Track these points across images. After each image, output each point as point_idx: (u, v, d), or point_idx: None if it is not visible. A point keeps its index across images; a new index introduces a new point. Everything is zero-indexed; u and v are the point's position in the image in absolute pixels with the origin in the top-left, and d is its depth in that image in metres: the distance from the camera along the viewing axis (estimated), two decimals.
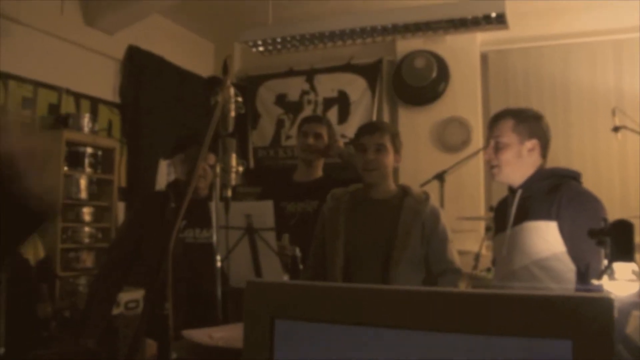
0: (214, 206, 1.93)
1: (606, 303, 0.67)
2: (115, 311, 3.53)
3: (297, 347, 0.80)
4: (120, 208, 5.34)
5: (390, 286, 0.77)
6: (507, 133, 2.20)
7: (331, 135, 3.17)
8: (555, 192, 2.10)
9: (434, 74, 6.04)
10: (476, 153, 4.64)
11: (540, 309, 0.69)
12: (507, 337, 0.69)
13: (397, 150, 2.60)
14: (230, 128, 1.85)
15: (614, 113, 4.71)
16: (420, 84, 6.10)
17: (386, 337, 0.76)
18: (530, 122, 2.22)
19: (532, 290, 1.67)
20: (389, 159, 2.56)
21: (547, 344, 0.68)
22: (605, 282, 1.34)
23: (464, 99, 6.04)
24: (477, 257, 4.38)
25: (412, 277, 2.45)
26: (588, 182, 2.22)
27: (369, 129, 2.66)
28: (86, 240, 4.91)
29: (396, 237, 2.46)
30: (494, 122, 2.26)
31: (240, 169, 1.83)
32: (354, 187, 2.69)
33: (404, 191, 2.60)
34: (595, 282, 1.36)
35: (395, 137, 2.60)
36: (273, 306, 0.82)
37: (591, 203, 2.06)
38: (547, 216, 2.06)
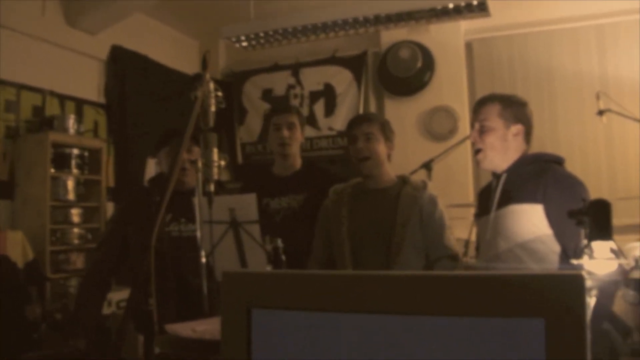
0: (197, 201, 1.93)
1: (577, 280, 0.68)
2: (107, 311, 3.54)
3: (274, 336, 0.81)
4: (109, 208, 5.33)
5: (364, 272, 0.78)
6: (493, 117, 2.21)
7: (302, 123, 3.11)
8: (540, 176, 2.11)
9: (419, 64, 6.05)
10: (463, 140, 4.65)
11: (511, 288, 0.70)
12: (479, 317, 0.70)
13: (387, 138, 2.68)
14: (211, 123, 1.85)
15: (598, 97, 4.73)
16: (406, 74, 6.11)
17: (362, 322, 0.76)
18: (515, 108, 2.24)
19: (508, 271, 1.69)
20: (380, 146, 2.64)
21: (520, 323, 0.69)
22: (585, 261, 1.35)
23: (450, 88, 6.06)
24: (467, 243, 4.39)
25: (416, 262, 2.52)
26: (575, 166, 2.24)
27: (357, 120, 2.79)
28: (75, 241, 4.89)
29: (395, 224, 2.52)
30: (479, 106, 2.27)
31: (223, 163, 1.83)
32: (354, 181, 2.76)
33: (403, 180, 2.68)
34: (574, 261, 1.37)
35: (384, 126, 2.69)
36: (250, 296, 0.83)
37: (576, 186, 2.08)
38: (532, 199, 2.08)
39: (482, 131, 2.22)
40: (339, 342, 0.77)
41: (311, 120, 6.40)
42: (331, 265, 2.63)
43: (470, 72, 6.10)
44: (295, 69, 6.70)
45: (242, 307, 0.82)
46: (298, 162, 3.09)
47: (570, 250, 1.93)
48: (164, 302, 1.48)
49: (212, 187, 1.81)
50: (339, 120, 6.45)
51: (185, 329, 1.41)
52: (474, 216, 2.61)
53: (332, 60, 6.54)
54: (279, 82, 6.76)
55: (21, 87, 4.81)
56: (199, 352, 1.33)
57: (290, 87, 6.72)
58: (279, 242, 1.74)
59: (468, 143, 5.42)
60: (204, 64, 1.84)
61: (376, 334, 0.75)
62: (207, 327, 1.42)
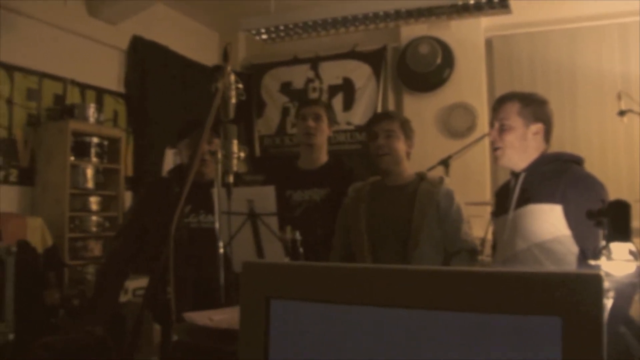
0: (216, 192, 1.94)
1: (595, 280, 0.68)
2: (123, 299, 3.57)
3: (292, 326, 0.82)
4: (127, 197, 5.38)
5: (382, 265, 0.78)
6: (513, 116, 2.19)
7: (330, 117, 3.15)
8: (559, 176, 2.09)
9: (439, 60, 6.03)
10: (481, 138, 4.62)
11: (529, 286, 0.70)
12: (497, 314, 0.70)
13: (407, 137, 2.70)
14: (232, 114, 1.86)
15: (619, 97, 4.68)
16: (425, 70, 6.08)
17: (379, 315, 0.77)
18: (535, 106, 2.22)
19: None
20: (400, 144, 2.65)
21: (537, 320, 0.69)
22: (602, 262, 1.35)
23: (469, 85, 6.02)
24: (483, 242, 4.38)
25: (434, 257, 2.52)
26: (594, 167, 2.22)
27: (379, 117, 2.85)
28: (93, 229, 4.95)
29: (413, 219, 2.53)
30: (499, 104, 2.25)
31: (242, 154, 1.85)
32: (373, 179, 2.78)
33: (420, 177, 2.70)
34: (592, 262, 1.36)
35: (405, 124, 2.71)
36: (269, 286, 0.84)
37: (596, 187, 2.06)
38: (551, 199, 2.06)
39: (502, 130, 2.21)
40: (356, 334, 0.78)
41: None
42: (351, 261, 2.63)
43: (490, 69, 6.06)
44: (315, 62, 6.70)
45: (261, 297, 0.83)
46: (324, 157, 3.13)
47: (589, 252, 1.92)
48: (181, 293, 1.50)
49: (231, 179, 1.82)
50: (357, 115, 6.44)
51: (203, 317, 1.43)
52: (491, 215, 2.60)
53: (352, 54, 6.53)
54: (298, 76, 6.77)
55: (43, 75, 4.86)
56: (216, 340, 1.35)
57: (309, 80, 6.72)
58: (297, 235, 1.75)
59: (486, 141, 5.39)
60: (226, 55, 1.85)
61: (392, 327, 0.76)
62: (223, 317, 1.43)
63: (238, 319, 0.87)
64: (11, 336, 2.59)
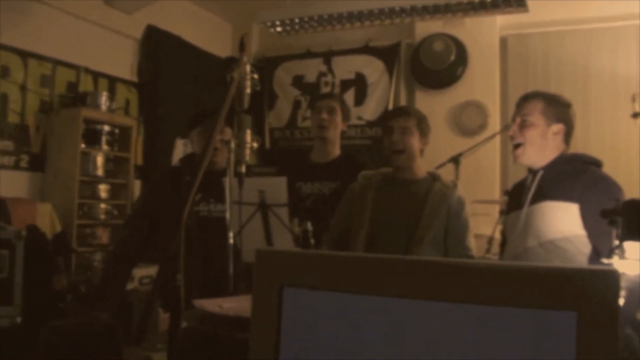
0: (228, 182, 1.95)
1: (612, 276, 0.67)
2: (130, 286, 3.59)
3: (305, 314, 0.81)
4: (137, 186, 5.40)
5: (399, 256, 0.78)
6: (536, 113, 2.20)
7: (344, 111, 3.15)
8: (577, 176, 2.10)
9: (453, 58, 6.00)
10: (493, 137, 4.61)
11: (547, 281, 0.70)
12: (513, 307, 0.70)
13: (423, 134, 2.67)
14: (246, 104, 1.86)
15: (634, 99, 4.64)
16: (438, 67, 6.06)
17: (393, 306, 0.77)
18: (559, 107, 2.23)
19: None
20: (415, 141, 2.63)
21: (553, 315, 0.68)
22: (615, 261, 1.34)
23: (482, 83, 5.99)
24: (491, 240, 4.37)
25: (435, 256, 2.49)
26: (607, 169, 2.21)
27: (395, 112, 2.82)
28: (102, 216, 4.97)
29: (422, 217, 2.52)
30: (523, 101, 2.26)
31: (255, 144, 1.85)
32: (385, 170, 2.75)
33: (433, 177, 2.68)
34: (605, 260, 1.36)
35: (421, 121, 2.68)
36: (282, 274, 0.83)
37: (612, 188, 2.06)
38: (568, 197, 2.06)
39: (523, 125, 2.22)
40: (369, 324, 0.77)
41: None
42: (343, 248, 2.61)
43: (504, 68, 6.02)
44: (328, 56, 6.69)
45: (274, 284, 0.83)
46: (336, 150, 3.14)
47: (604, 251, 1.91)
48: (190, 280, 1.50)
49: (243, 169, 1.82)
50: (369, 110, 6.43)
51: (212, 305, 1.43)
52: (501, 213, 2.59)
53: (365, 49, 6.52)
54: (311, 69, 6.76)
55: (57, 62, 4.88)
56: (226, 328, 1.35)
57: (322, 74, 6.72)
58: (309, 226, 1.75)
59: (497, 140, 5.39)
60: (242, 45, 1.85)
61: (407, 318, 0.75)
62: (233, 305, 1.44)
63: (248, 307, 0.87)
64: (19, 319, 2.61)
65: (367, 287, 0.78)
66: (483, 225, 4.77)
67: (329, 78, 6.68)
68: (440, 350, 0.73)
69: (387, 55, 6.43)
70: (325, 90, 6.60)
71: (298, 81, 6.81)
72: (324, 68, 6.71)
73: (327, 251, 0.89)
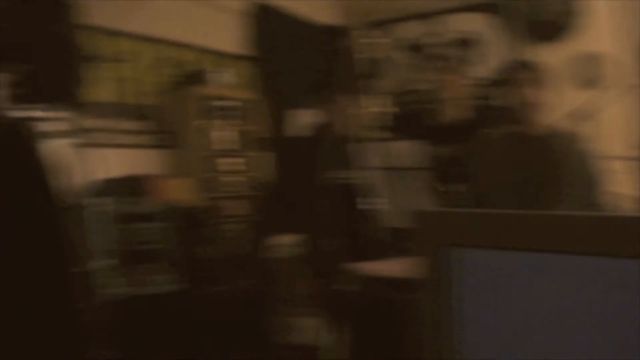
0: (353, 148, 2.01)
1: None
2: (270, 254, 3.77)
3: (479, 275, 0.82)
4: (264, 159, 5.62)
5: (566, 212, 0.78)
6: None
7: (462, 72, 3.11)
8: None
9: (571, 7, 5.72)
10: (624, 90, 4.38)
11: None
12: None
13: (546, 87, 2.65)
14: (361, 71, 1.90)
15: None
16: (555, 18, 5.80)
17: (564, 263, 0.72)
18: None
19: None
20: (538, 94, 2.60)
21: None
22: None
23: (604, 33, 5.68)
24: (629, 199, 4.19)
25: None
26: None
27: (517, 65, 2.85)
28: (235, 189, 5.22)
29: (550, 174, 2.49)
30: None
31: (376, 110, 1.89)
32: (509, 127, 2.73)
33: (558, 131, 2.65)
34: None
35: (544, 74, 2.67)
36: (447, 235, 0.82)
37: None
38: None
39: None
40: (539, 284, 0.78)
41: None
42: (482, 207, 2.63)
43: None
44: (433, 16, 6.55)
45: (440, 245, 0.81)
46: (463, 112, 3.11)
47: None
48: (336, 247, 1.60)
49: (367, 134, 1.88)
50: (484, 69, 6.28)
51: (366, 267, 1.51)
52: None
53: (475, 7, 6.33)
54: (418, 31, 6.65)
55: (172, 44, 5.19)
56: (383, 289, 1.43)
57: (429, 35, 6.60)
58: (458, 187, 1.78)
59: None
60: (351, 15, 1.89)
61: (584, 276, 0.71)
62: (386, 267, 1.51)
63: (401, 269, 0.90)
64: (176, 286, 2.84)
65: (536, 244, 0.75)
66: (620, 184, 4.56)
67: (436, 39, 6.56)
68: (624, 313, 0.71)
69: (500, 9, 6.22)
70: (435, 51, 6.49)
71: (408, 45, 6.74)
72: (430, 29, 6.58)
73: (493, 209, 0.91)
